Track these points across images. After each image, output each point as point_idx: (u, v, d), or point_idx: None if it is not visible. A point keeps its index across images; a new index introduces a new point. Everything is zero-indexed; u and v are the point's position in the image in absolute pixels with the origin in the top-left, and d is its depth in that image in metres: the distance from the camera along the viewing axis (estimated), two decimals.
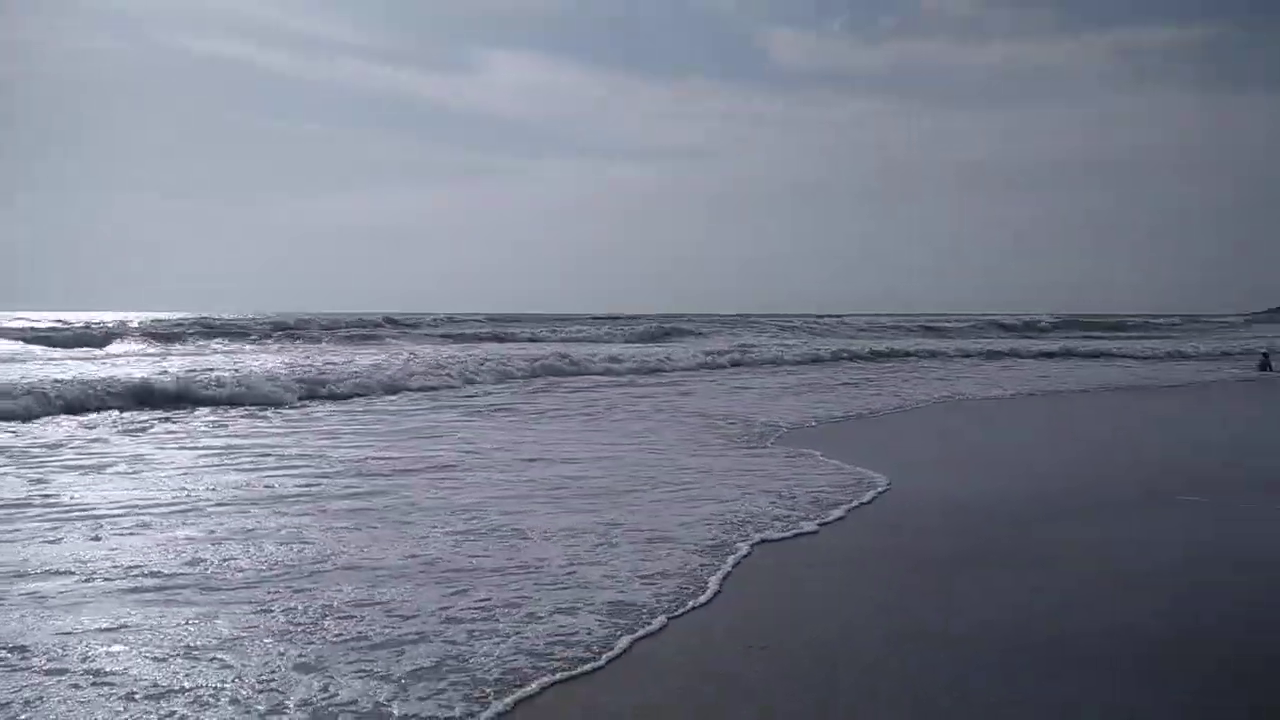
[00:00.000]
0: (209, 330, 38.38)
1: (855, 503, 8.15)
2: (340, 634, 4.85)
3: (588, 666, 4.44)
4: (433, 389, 18.78)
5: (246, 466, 9.99)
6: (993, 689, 4.25)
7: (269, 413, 15.11)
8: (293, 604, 5.32)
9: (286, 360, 24.44)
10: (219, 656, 4.51)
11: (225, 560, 6.21)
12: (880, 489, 8.73)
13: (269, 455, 10.73)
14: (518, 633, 4.85)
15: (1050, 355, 34.01)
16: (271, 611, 5.17)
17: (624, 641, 4.76)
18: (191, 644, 4.68)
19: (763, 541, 6.77)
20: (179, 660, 4.47)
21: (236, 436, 12.41)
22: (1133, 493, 8.78)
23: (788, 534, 7.06)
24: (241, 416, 14.64)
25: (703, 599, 5.49)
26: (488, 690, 4.13)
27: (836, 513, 7.75)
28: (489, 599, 5.42)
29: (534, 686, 4.19)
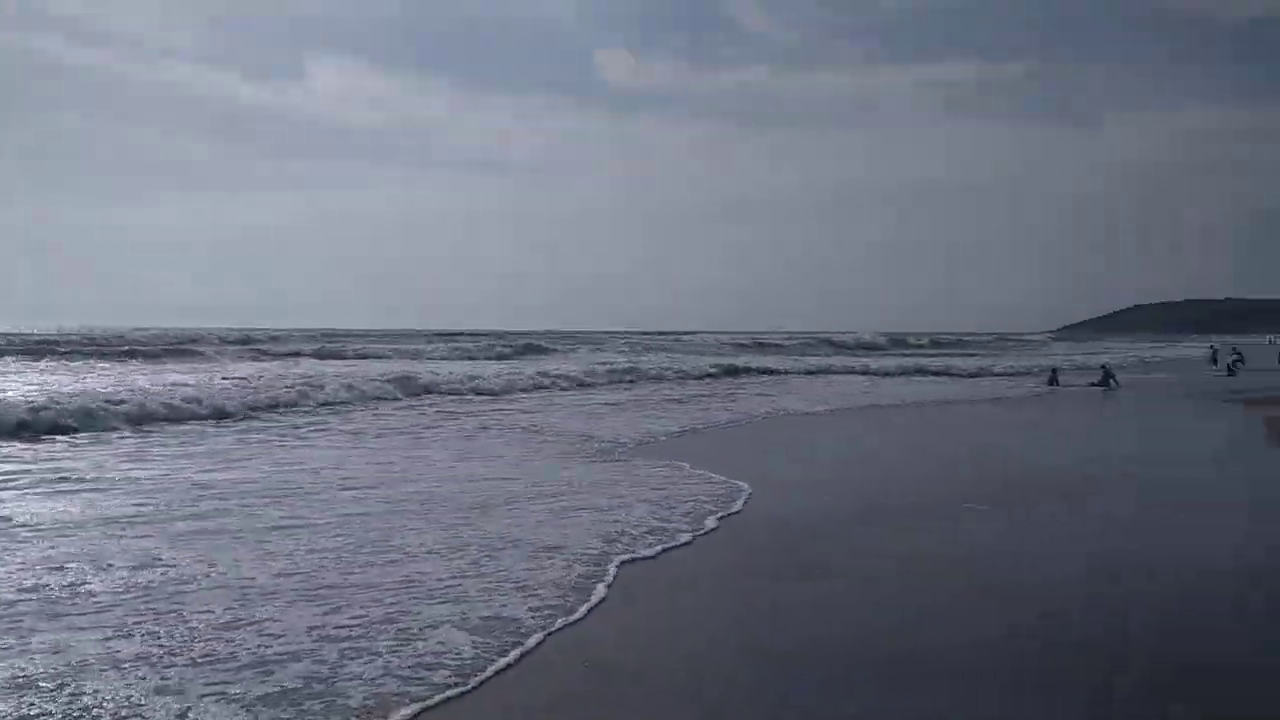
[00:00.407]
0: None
1: (724, 512, 8.44)
2: (208, 655, 4.69)
3: (455, 691, 4.34)
4: (273, 408, 17.75)
5: (67, 490, 9.23)
6: (834, 704, 4.32)
7: (83, 438, 13.62)
8: (155, 627, 5.04)
9: (92, 380, 22.59)
10: (69, 684, 4.24)
11: (72, 585, 5.83)
12: (746, 495, 9.17)
13: (89, 480, 9.88)
14: (392, 651, 4.77)
15: (869, 372, 35.92)
16: (131, 636, 4.91)
17: (497, 664, 4.67)
18: (35, 673, 4.38)
19: (632, 560, 6.72)
20: (22, 693, 4.17)
21: (44, 461, 11.28)
22: (935, 501, 9.34)
23: (666, 545, 7.18)
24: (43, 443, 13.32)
25: (576, 615, 5.46)
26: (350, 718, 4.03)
27: (710, 522, 8.01)
28: (364, 615, 5.32)
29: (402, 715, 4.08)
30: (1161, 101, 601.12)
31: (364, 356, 39.02)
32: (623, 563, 6.64)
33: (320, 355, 39.01)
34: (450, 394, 22.26)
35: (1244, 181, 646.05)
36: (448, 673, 4.52)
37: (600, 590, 5.94)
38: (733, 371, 34.15)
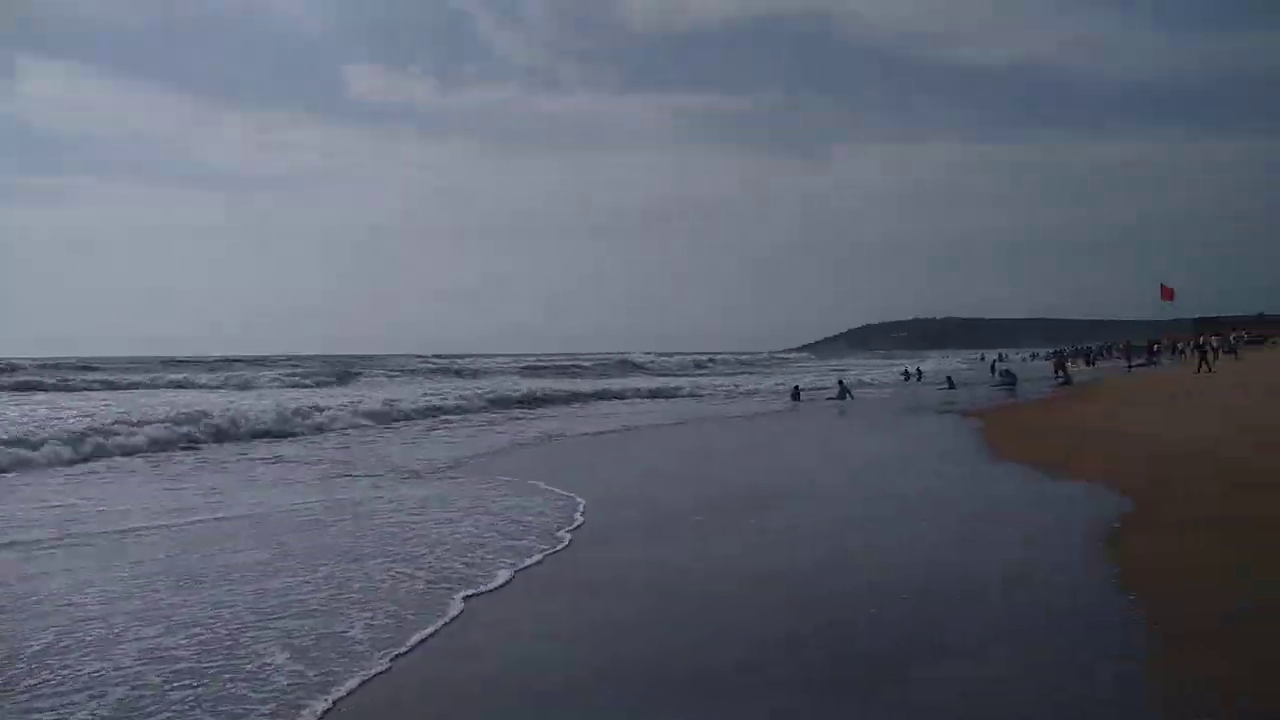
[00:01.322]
0: None
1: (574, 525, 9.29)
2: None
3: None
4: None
5: None
6: None
7: None
8: None
9: None
10: None
11: None
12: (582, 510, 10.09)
13: None
14: (220, 691, 4.87)
15: (613, 396, 37.59)
16: None
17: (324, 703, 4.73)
18: None
19: (474, 595, 6.78)
20: None
21: None
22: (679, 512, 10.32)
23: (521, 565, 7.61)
24: None
25: (404, 648, 5.58)
26: None
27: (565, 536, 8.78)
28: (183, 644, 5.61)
29: None
30: (887, 135, 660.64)
31: (113, 387, 36.44)
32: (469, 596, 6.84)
33: (66, 388, 36.01)
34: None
35: (956, 210, 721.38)
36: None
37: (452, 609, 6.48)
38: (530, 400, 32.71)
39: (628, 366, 65.99)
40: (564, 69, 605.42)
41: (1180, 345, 59.39)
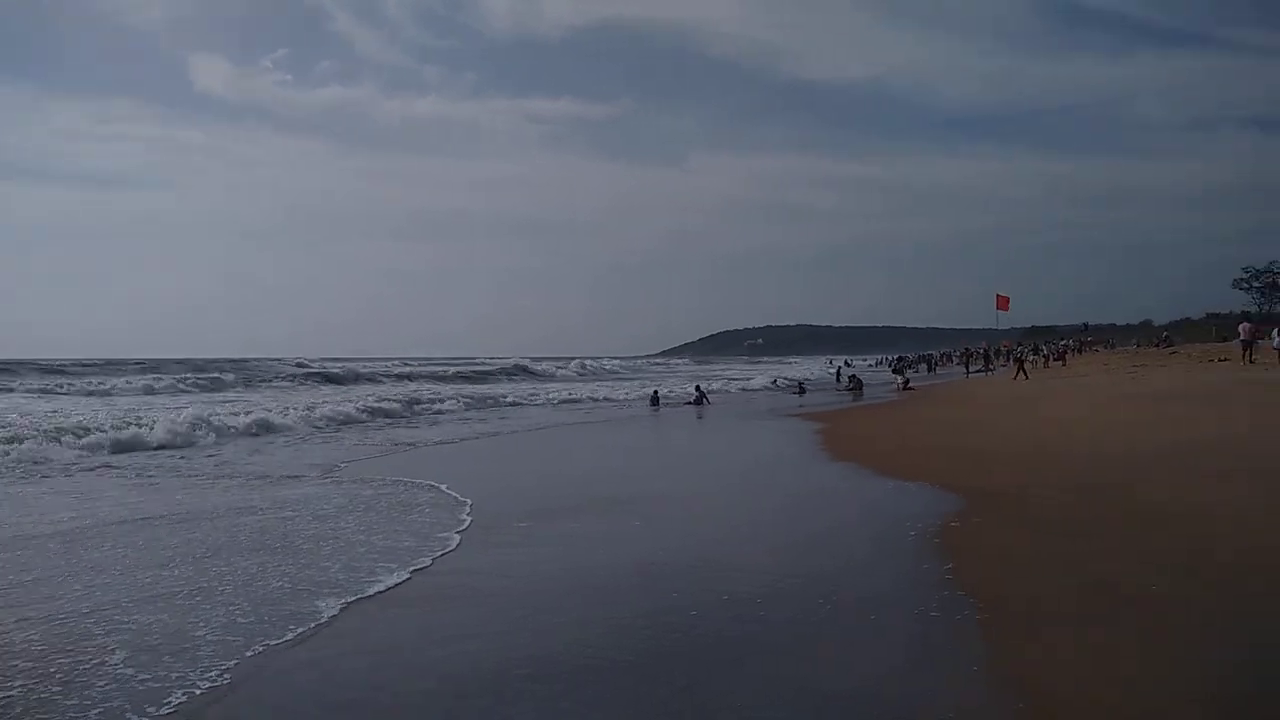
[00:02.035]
0: None
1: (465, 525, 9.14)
2: None
3: None
4: None
5: None
6: None
7: None
8: None
9: None
10: None
11: None
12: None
13: None
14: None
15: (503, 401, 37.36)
16: None
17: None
18: None
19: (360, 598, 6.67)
20: None
21: None
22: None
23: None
24: None
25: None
26: None
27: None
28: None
29: None
30: (740, 146, 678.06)
31: None
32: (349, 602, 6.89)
33: None
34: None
35: (804, 222, 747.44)
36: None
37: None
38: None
39: (524, 372, 65.45)
40: (423, 71, 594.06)
41: (1015, 352, 63.57)
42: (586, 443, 21.03)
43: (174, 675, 5.05)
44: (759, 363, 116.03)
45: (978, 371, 53.32)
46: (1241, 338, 35.38)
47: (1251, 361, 32.39)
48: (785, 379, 51.00)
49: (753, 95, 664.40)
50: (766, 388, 47.39)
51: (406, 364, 76.90)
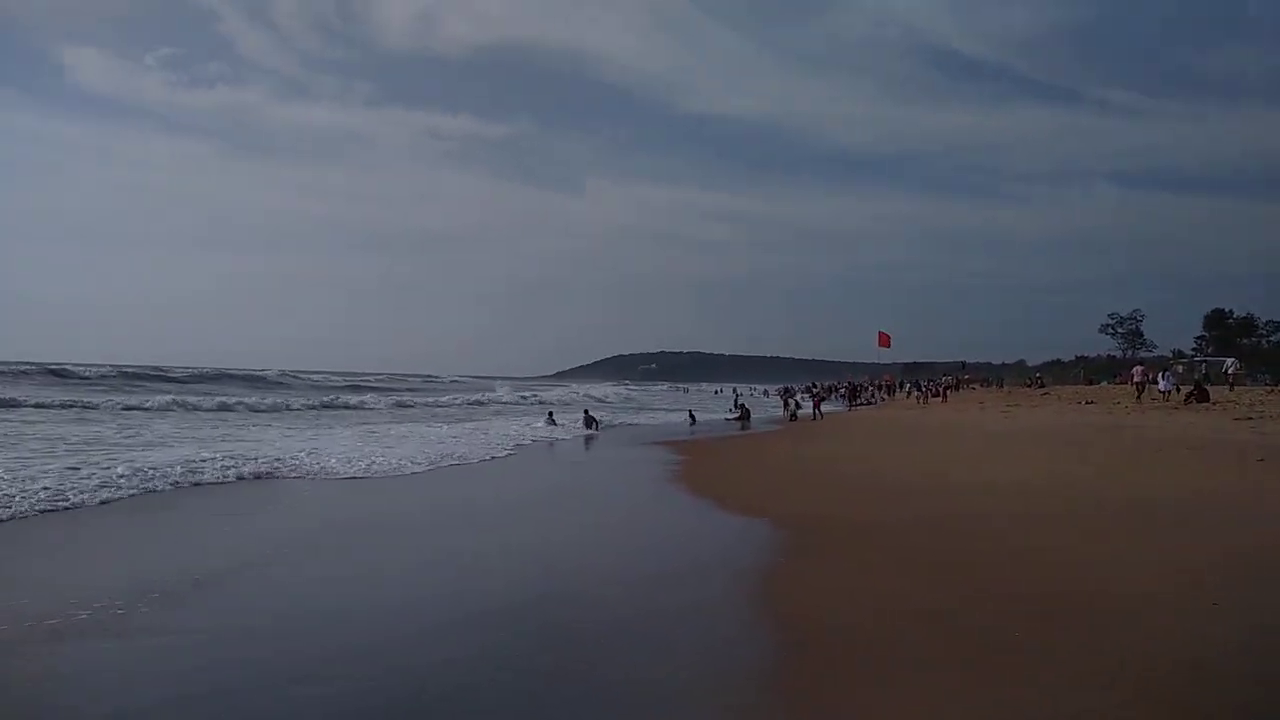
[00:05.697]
0: None
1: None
2: None
3: None
4: None
5: None
6: None
7: None
8: None
9: None
10: None
11: None
12: None
13: None
14: None
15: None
16: None
17: None
18: None
19: None
20: None
21: None
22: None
23: None
24: None
25: None
26: None
27: None
28: None
29: None
30: (634, 175, 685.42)
31: None
32: None
33: None
34: None
35: (694, 252, 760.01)
36: None
37: None
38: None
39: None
40: (313, 79, 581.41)
41: (901, 385, 65.33)
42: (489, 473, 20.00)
43: None
44: (651, 386, 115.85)
45: (861, 405, 54.26)
46: (1135, 379, 37.32)
47: (1139, 402, 33.60)
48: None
49: (647, 125, 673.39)
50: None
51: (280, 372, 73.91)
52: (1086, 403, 36.76)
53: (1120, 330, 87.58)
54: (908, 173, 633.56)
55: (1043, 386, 56.08)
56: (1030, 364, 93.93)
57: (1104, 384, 56.34)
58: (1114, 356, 78.55)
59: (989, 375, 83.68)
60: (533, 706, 4.88)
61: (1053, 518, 10.67)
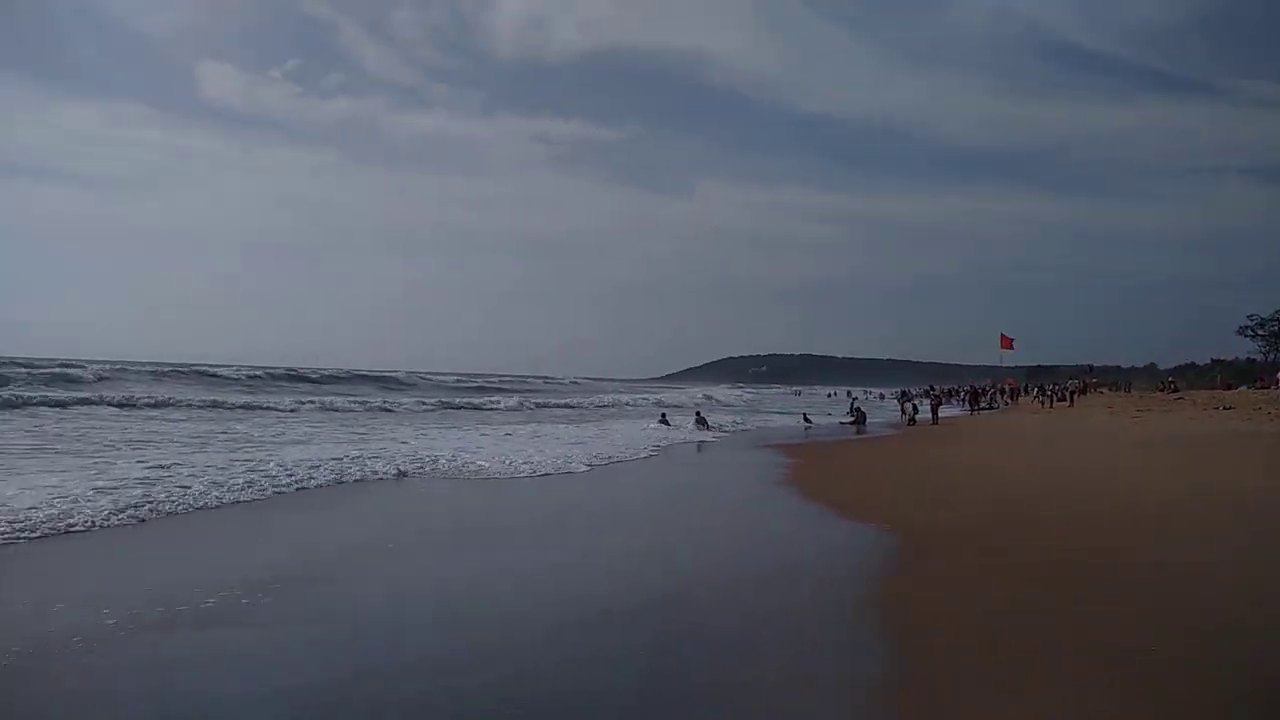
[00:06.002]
0: None
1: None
2: None
3: None
4: None
5: None
6: None
7: None
8: None
9: None
10: None
11: None
12: None
13: None
14: None
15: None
16: None
17: None
18: None
19: None
20: None
21: None
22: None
23: None
24: None
25: None
26: None
27: None
28: None
29: None
30: (746, 176, 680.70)
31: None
32: None
33: None
34: None
35: (812, 254, 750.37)
36: None
37: None
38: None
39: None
40: (431, 89, 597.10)
41: (1025, 389, 63.85)
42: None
43: None
44: (764, 389, 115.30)
45: (984, 409, 53.22)
46: (1278, 384, 35.72)
47: None
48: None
49: (758, 126, 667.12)
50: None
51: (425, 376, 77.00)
52: (1224, 408, 35.49)
53: (1261, 333, 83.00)
54: (1026, 170, 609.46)
55: (1175, 391, 53.99)
56: (1161, 367, 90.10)
57: (1243, 389, 53.80)
58: (1254, 360, 74.37)
59: (1117, 379, 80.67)
60: (656, 708, 5.25)
61: (1190, 531, 10.48)
